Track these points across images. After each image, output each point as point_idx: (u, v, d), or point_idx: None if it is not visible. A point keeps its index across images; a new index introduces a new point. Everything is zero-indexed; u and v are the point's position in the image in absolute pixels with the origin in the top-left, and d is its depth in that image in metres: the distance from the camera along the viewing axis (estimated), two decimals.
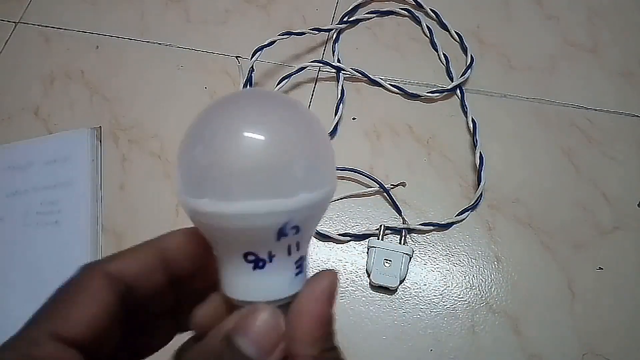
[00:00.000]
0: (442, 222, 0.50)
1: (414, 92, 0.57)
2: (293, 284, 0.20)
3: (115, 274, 0.20)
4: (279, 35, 0.56)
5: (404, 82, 0.58)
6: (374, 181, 0.52)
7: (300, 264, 0.21)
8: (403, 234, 0.49)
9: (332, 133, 0.55)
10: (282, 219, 0.19)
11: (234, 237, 0.19)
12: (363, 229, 0.51)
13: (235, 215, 0.18)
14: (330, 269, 0.20)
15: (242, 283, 0.20)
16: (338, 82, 0.58)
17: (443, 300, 0.47)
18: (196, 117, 0.21)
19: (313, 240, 0.51)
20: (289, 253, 0.20)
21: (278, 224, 0.19)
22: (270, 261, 0.20)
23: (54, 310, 0.18)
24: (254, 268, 0.20)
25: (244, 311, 0.19)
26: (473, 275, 0.48)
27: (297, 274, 0.20)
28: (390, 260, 0.48)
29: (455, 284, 0.48)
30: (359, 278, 0.48)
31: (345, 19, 0.62)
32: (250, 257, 0.19)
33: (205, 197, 0.19)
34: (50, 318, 0.18)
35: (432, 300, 0.47)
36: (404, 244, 0.49)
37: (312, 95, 0.58)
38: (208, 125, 0.20)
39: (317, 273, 0.20)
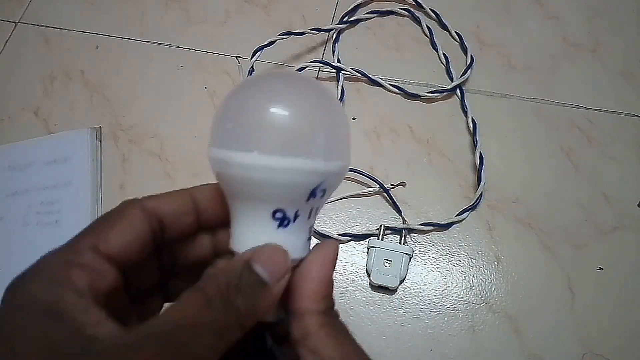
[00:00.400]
0: (442, 222, 0.50)
1: (414, 92, 0.57)
2: (305, 248, 0.23)
3: (152, 209, 0.22)
4: (279, 35, 0.56)
5: (404, 82, 0.58)
6: (374, 181, 0.52)
7: (311, 231, 0.23)
8: (403, 234, 0.49)
9: None
10: (319, 179, 0.21)
11: (273, 191, 0.21)
12: (363, 229, 0.51)
13: (285, 169, 0.20)
14: (331, 240, 0.22)
15: (264, 240, 0.21)
16: (338, 82, 0.58)
17: (443, 300, 0.47)
18: (244, 82, 0.23)
19: (313, 240, 0.51)
20: (309, 216, 0.22)
21: (314, 183, 0.21)
22: (294, 221, 0.22)
23: (96, 229, 0.21)
24: (279, 226, 0.22)
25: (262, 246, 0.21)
26: (473, 275, 0.48)
27: (308, 239, 0.23)
28: (390, 260, 0.48)
29: (455, 284, 0.48)
30: (359, 278, 0.48)
31: (345, 19, 0.62)
32: (278, 215, 0.21)
33: (254, 151, 0.20)
34: (92, 235, 0.21)
35: (432, 300, 0.47)
36: (404, 244, 0.49)
37: None
38: (260, 88, 0.22)
39: (320, 242, 0.23)
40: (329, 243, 0.22)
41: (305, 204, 0.22)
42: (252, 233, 0.22)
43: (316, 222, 0.24)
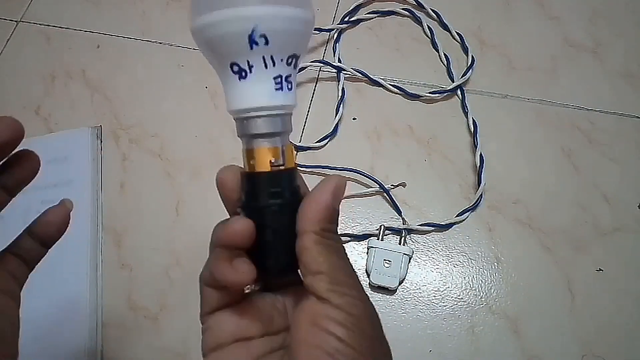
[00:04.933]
0: (442, 223, 0.50)
1: (415, 93, 0.57)
2: (275, 96, 0.25)
3: None
4: None
5: (405, 83, 0.58)
6: (374, 181, 0.52)
7: (280, 82, 0.25)
8: (403, 234, 0.49)
9: (333, 133, 0.55)
10: (249, 24, 0.23)
11: (218, 47, 0.24)
12: (363, 229, 0.51)
13: (213, 23, 0.23)
14: (337, 175, 0.26)
15: (234, 94, 0.25)
16: (339, 82, 0.58)
17: (443, 301, 0.47)
18: None
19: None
20: (265, 66, 0.24)
21: (247, 29, 0.23)
22: (251, 72, 0.24)
23: None
24: (239, 79, 0.24)
25: None
26: (473, 276, 0.48)
27: (277, 89, 0.25)
28: (390, 261, 0.48)
29: (455, 285, 0.48)
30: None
31: (346, 19, 0.62)
32: (235, 68, 0.24)
33: (199, 15, 0.24)
34: None
35: (432, 301, 0.47)
36: (403, 244, 0.49)
37: (313, 95, 0.58)
38: None
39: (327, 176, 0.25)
40: (333, 176, 0.25)
41: (251, 52, 0.24)
42: (227, 91, 0.25)
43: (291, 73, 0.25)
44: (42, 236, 0.31)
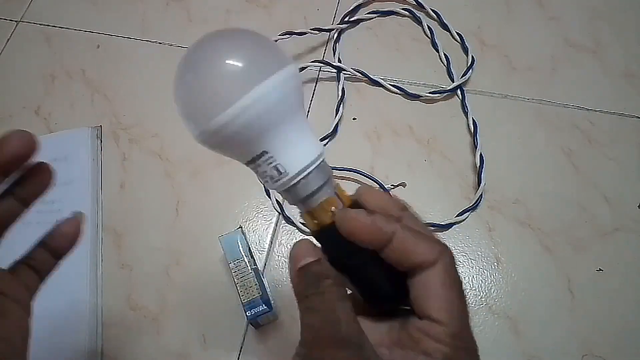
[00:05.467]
0: (442, 223, 0.50)
1: (415, 93, 0.57)
2: (318, 144, 0.27)
3: None
4: (279, 35, 0.56)
5: (405, 83, 0.58)
6: (375, 181, 0.52)
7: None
8: None
9: (333, 133, 0.55)
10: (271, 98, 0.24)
11: (250, 135, 0.25)
12: None
13: (241, 112, 0.24)
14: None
15: (286, 162, 0.25)
16: (339, 82, 0.58)
17: None
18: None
19: (313, 240, 0.51)
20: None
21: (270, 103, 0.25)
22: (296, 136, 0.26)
23: None
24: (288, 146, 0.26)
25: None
26: (473, 276, 0.48)
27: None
28: None
29: None
30: None
31: (346, 19, 0.62)
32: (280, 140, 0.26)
33: (218, 115, 0.24)
34: None
35: None
36: None
37: (313, 95, 0.58)
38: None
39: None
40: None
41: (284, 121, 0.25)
42: (266, 170, 0.26)
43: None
44: (55, 248, 0.31)
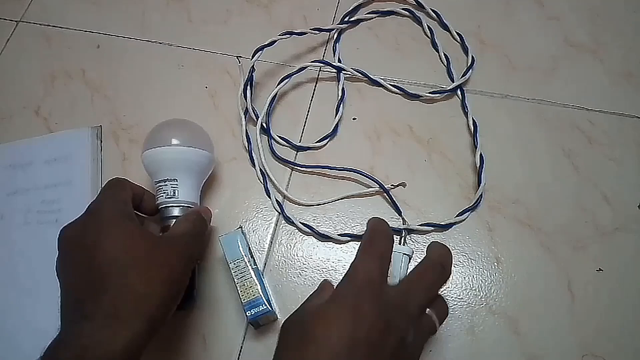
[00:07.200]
0: (442, 223, 0.50)
1: (415, 93, 0.57)
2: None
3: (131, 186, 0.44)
4: (279, 35, 0.56)
5: (405, 83, 0.58)
6: (374, 181, 0.52)
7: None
8: (403, 234, 0.49)
9: (333, 133, 0.55)
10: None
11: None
12: (363, 229, 0.50)
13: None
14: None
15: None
16: (339, 82, 0.58)
17: None
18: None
19: (313, 240, 0.51)
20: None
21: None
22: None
23: (119, 187, 0.44)
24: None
25: None
26: (473, 276, 0.48)
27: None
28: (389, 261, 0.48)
29: (455, 285, 0.48)
30: None
31: (346, 19, 0.62)
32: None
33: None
34: (122, 187, 0.44)
35: None
36: (403, 244, 0.49)
37: (313, 95, 0.58)
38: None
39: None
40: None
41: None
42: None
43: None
44: None
